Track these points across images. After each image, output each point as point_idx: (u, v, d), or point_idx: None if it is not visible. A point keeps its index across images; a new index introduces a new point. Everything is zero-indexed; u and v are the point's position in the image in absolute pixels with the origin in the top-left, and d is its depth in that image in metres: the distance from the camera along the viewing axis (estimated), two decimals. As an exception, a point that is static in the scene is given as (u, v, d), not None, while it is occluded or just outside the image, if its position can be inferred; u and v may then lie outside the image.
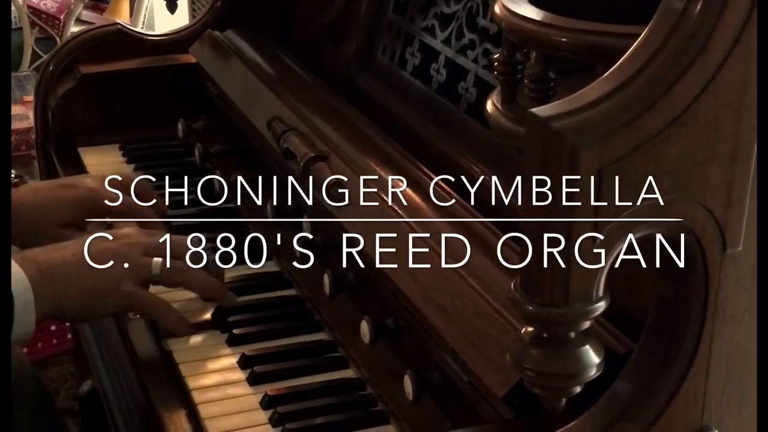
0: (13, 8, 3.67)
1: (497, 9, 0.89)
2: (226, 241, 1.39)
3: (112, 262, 1.16)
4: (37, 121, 1.71)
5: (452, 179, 1.18)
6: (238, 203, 1.47)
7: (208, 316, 1.22)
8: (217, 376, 1.12)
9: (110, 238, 1.21)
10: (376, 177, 1.20)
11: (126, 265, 1.17)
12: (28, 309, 1.11)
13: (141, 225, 1.34)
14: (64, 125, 1.67)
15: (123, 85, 1.68)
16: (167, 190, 1.52)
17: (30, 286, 1.11)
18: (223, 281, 1.26)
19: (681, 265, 0.76)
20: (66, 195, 1.35)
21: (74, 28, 3.51)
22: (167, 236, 1.24)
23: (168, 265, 1.19)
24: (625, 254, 0.71)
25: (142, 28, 3.46)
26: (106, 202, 1.34)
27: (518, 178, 0.98)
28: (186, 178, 1.56)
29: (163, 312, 1.19)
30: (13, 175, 1.38)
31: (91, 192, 1.35)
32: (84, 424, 1.95)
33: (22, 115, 2.93)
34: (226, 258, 1.35)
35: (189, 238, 1.26)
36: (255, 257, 1.36)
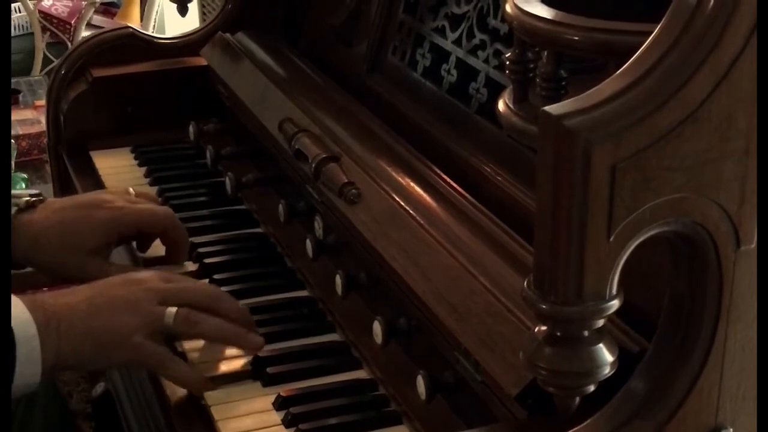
0: (24, 13, 3.68)
1: (508, 8, 0.89)
2: (238, 244, 1.40)
3: (122, 313, 1.09)
4: (49, 125, 1.71)
5: (463, 179, 1.18)
6: (250, 205, 1.47)
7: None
8: (230, 378, 1.12)
9: (127, 281, 1.14)
10: (388, 177, 1.20)
11: (137, 316, 1.09)
12: (33, 357, 1.04)
13: (169, 241, 1.32)
14: (76, 129, 1.67)
15: (134, 88, 1.68)
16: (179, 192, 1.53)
17: (37, 333, 1.05)
18: (252, 327, 1.17)
19: (695, 262, 0.76)
20: (92, 218, 1.27)
21: (85, 33, 3.52)
22: (188, 283, 1.18)
23: (182, 315, 1.11)
24: (639, 250, 0.71)
25: (153, 31, 3.48)
26: (133, 212, 1.29)
27: (531, 177, 0.98)
28: (197, 180, 1.57)
29: (173, 369, 1.10)
30: (31, 194, 1.31)
31: (118, 211, 1.29)
32: (97, 426, 1.95)
33: (34, 119, 2.95)
34: (238, 260, 1.36)
35: (211, 286, 1.21)
36: (266, 259, 1.36)
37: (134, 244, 1.37)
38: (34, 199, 1.30)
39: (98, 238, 1.27)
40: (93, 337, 1.09)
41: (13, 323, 1.03)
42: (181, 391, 1.12)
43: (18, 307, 1.06)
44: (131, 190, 1.38)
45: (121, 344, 1.09)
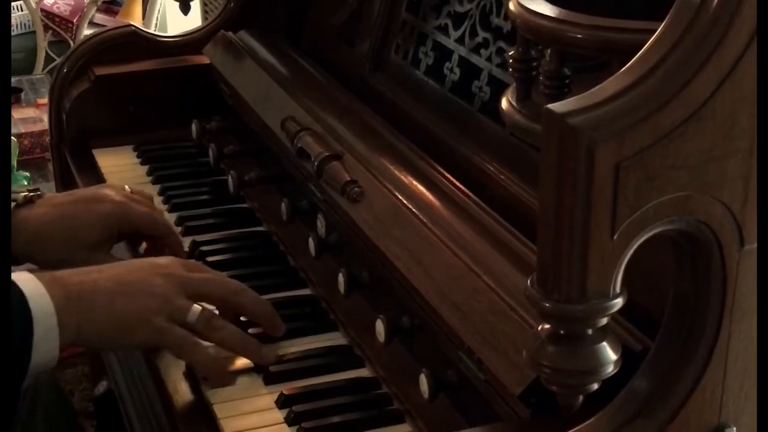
0: (26, 11, 3.68)
1: (511, 6, 0.89)
2: (240, 242, 1.40)
3: (145, 296, 1.09)
4: (52, 124, 1.72)
5: (466, 177, 1.17)
6: (252, 203, 1.47)
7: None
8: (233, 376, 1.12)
9: (151, 264, 1.15)
10: (390, 176, 1.19)
11: (160, 301, 1.10)
12: (51, 335, 1.04)
13: (160, 241, 1.31)
14: (79, 127, 1.67)
15: (137, 87, 1.69)
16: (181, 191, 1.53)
17: (54, 311, 1.04)
18: (275, 319, 1.17)
19: (698, 261, 0.75)
20: (92, 212, 1.27)
21: (87, 31, 3.52)
22: (210, 274, 1.17)
23: (205, 317, 1.10)
24: (642, 249, 0.71)
25: (155, 30, 3.47)
26: (134, 211, 1.29)
27: (534, 175, 0.98)
28: (200, 178, 1.57)
29: (196, 353, 1.10)
30: (29, 190, 1.31)
31: (119, 205, 1.29)
32: (99, 425, 1.95)
33: (36, 117, 2.94)
34: (239, 258, 1.36)
35: (233, 280, 1.19)
36: (269, 257, 1.36)
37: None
38: (32, 194, 1.29)
39: (99, 232, 1.27)
40: (115, 317, 1.09)
41: (30, 302, 1.03)
42: (184, 389, 1.12)
43: (34, 285, 1.06)
44: (127, 188, 1.38)
45: (144, 325, 1.09)
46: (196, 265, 1.21)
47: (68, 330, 1.06)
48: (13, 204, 1.26)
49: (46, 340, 1.04)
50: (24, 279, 1.05)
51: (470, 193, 1.14)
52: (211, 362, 1.10)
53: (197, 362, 1.11)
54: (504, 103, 0.93)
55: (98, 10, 3.72)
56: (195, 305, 1.11)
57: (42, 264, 1.30)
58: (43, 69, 3.57)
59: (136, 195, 1.36)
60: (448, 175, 1.18)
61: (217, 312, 1.15)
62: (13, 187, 1.31)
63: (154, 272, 1.12)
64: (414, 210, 1.12)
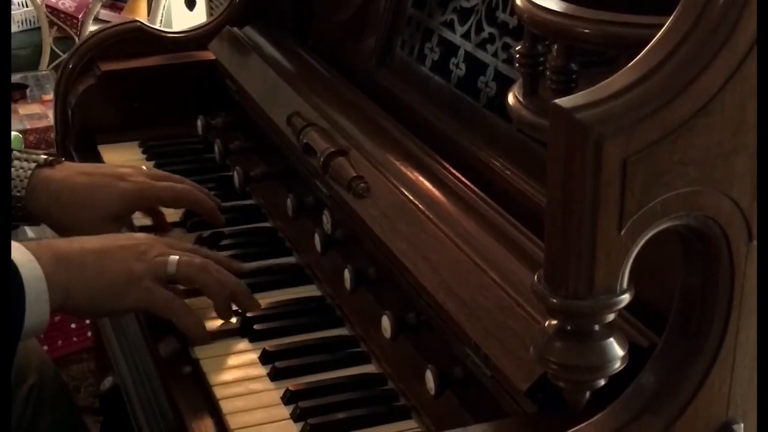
0: (31, 8, 3.69)
1: (518, 1, 0.89)
2: (247, 238, 1.40)
3: (131, 258, 1.13)
4: (57, 120, 1.72)
5: (472, 173, 1.17)
6: (258, 199, 1.47)
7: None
8: (239, 372, 1.12)
9: (133, 236, 1.20)
10: (396, 172, 1.19)
11: (145, 263, 1.14)
12: (42, 299, 1.07)
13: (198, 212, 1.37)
14: (84, 123, 1.67)
15: (142, 83, 1.68)
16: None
17: (44, 276, 1.07)
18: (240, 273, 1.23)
19: (706, 256, 0.75)
20: (114, 187, 1.32)
21: (92, 27, 3.52)
22: (191, 252, 1.21)
23: (184, 262, 1.15)
24: (649, 244, 0.71)
25: (160, 26, 3.47)
26: (154, 189, 1.34)
27: (541, 171, 0.98)
28: (205, 174, 1.57)
29: (181, 313, 1.14)
30: (48, 154, 1.35)
31: (139, 185, 1.33)
32: (105, 421, 1.95)
33: (42, 114, 2.95)
34: (246, 254, 1.35)
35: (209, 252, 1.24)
36: (275, 253, 1.36)
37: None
38: (52, 158, 1.34)
39: (116, 206, 1.32)
40: (105, 277, 1.12)
41: (20, 269, 1.05)
42: (189, 386, 1.12)
43: (21, 252, 1.08)
44: (144, 167, 1.40)
45: (132, 286, 1.13)
46: (178, 243, 1.24)
47: (58, 292, 1.09)
48: (34, 164, 1.31)
49: (37, 304, 1.07)
50: (12, 247, 1.07)
51: (476, 189, 1.14)
52: (195, 324, 1.15)
53: (184, 323, 1.14)
54: (511, 99, 0.93)
55: (103, 6, 3.73)
56: (171, 255, 1.15)
57: (56, 225, 1.34)
58: (48, 65, 3.57)
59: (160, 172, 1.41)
60: (455, 171, 1.18)
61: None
62: (32, 150, 1.35)
63: (139, 241, 1.18)
64: (420, 206, 1.12)
